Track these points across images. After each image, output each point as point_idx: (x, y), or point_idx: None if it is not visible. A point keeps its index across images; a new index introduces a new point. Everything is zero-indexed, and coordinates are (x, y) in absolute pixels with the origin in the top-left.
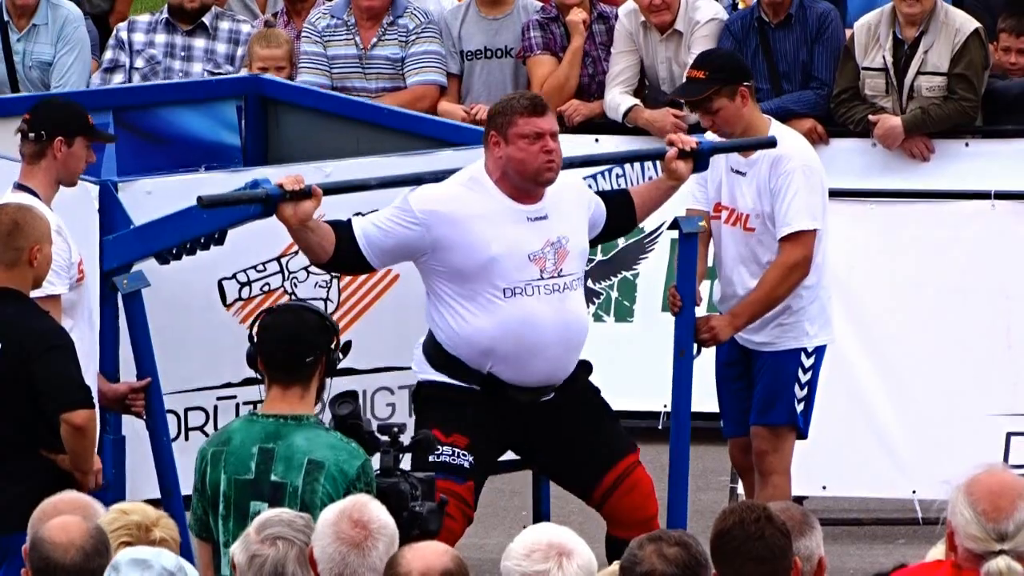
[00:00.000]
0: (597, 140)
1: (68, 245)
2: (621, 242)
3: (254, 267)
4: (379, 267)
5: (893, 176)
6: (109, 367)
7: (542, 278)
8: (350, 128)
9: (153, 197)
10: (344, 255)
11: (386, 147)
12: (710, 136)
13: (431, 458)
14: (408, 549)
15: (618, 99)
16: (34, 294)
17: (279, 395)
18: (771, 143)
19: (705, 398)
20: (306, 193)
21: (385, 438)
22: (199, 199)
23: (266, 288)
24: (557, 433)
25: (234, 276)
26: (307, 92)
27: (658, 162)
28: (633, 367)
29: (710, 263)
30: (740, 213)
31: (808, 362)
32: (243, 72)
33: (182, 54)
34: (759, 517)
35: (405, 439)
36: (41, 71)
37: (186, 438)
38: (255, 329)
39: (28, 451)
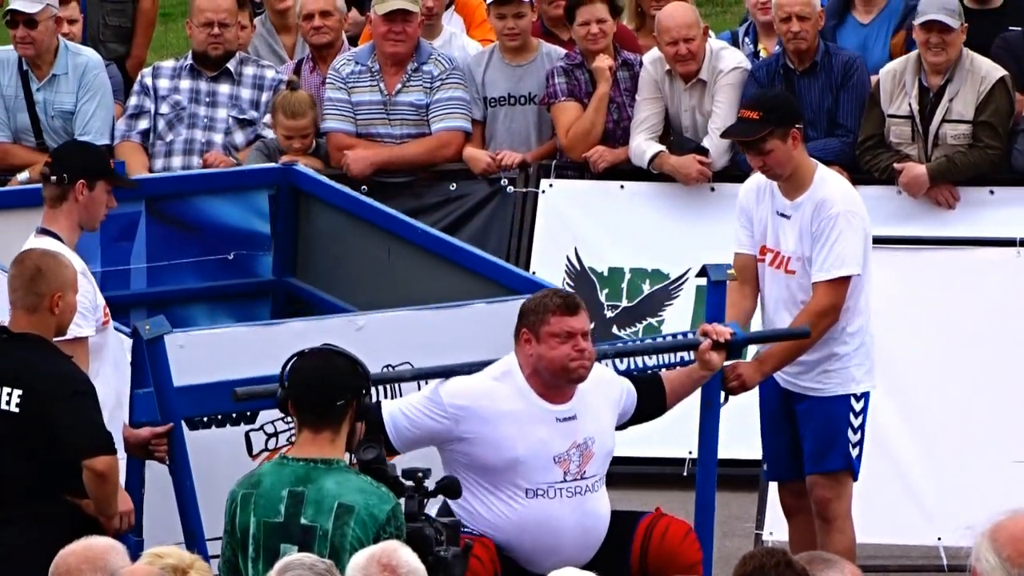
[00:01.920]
0: (623, 186)
1: (93, 288)
2: (646, 288)
3: (282, 418)
4: (402, 452)
5: (918, 223)
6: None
7: (565, 480)
8: (381, 236)
9: (186, 351)
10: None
11: (416, 266)
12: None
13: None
14: None
15: (643, 146)
16: (62, 337)
17: (309, 439)
18: (804, 334)
19: (731, 444)
20: None
21: (410, 483)
22: (234, 393)
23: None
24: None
25: (261, 427)
26: (341, 194)
27: (692, 352)
28: None
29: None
30: (783, 256)
31: (858, 406)
32: (267, 119)
33: (207, 100)
34: (779, 562)
35: (430, 484)
36: (64, 120)
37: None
38: (286, 372)
39: (51, 494)
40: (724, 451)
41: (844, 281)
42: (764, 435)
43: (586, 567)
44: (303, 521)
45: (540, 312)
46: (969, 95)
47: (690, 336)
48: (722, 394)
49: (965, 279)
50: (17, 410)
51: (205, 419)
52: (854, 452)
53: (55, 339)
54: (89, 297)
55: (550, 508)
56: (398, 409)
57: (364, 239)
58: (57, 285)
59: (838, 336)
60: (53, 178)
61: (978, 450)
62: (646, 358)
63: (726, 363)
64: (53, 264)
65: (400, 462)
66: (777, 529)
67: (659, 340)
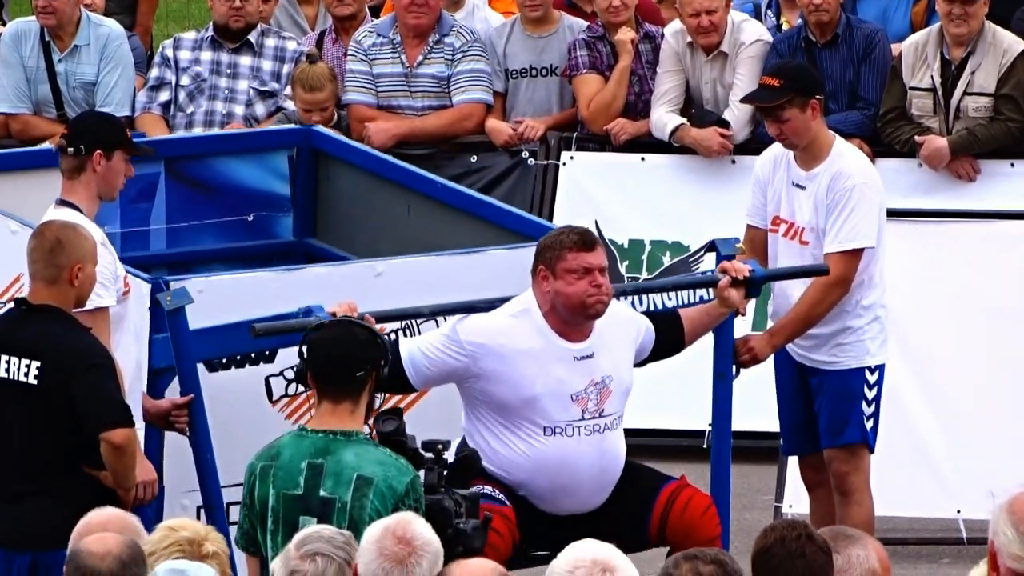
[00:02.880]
0: (643, 159)
1: (114, 258)
2: (666, 260)
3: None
4: (421, 389)
5: (939, 196)
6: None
7: (583, 418)
8: (401, 193)
9: (204, 296)
10: (389, 377)
11: (435, 218)
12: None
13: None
14: (455, 565)
15: (665, 118)
16: (83, 307)
17: (329, 410)
18: (823, 271)
19: (750, 416)
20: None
21: (429, 455)
22: (252, 328)
23: None
24: (594, 516)
25: (281, 373)
26: (360, 152)
27: (711, 289)
28: (677, 386)
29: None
30: (798, 227)
31: (872, 378)
32: (287, 91)
33: (228, 71)
34: (800, 535)
35: (449, 456)
36: (85, 91)
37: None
38: (304, 346)
39: (70, 468)
40: (744, 423)
41: (857, 253)
42: (781, 409)
43: (607, 518)
44: (322, 493)
45: (557, 248)
46: (991, 68)
47: (709, 274)
48: (734, 367)
49: (985, 252)
50: (36, 382)
51: (223, 360)
52: (868, 424)
53: (75, 311)
54: (109, 268)
55: (568, 446)
56: (416, 347)
57: (384, 197)
58: (77, 257)
59: (852, 309)
60: (70, 149)
61: (997, 423)
62: (665, 296)
63: (737, 337)
64: (73, 236)
65: (420, 433)
66: (797, 502)
67: (678, 278)
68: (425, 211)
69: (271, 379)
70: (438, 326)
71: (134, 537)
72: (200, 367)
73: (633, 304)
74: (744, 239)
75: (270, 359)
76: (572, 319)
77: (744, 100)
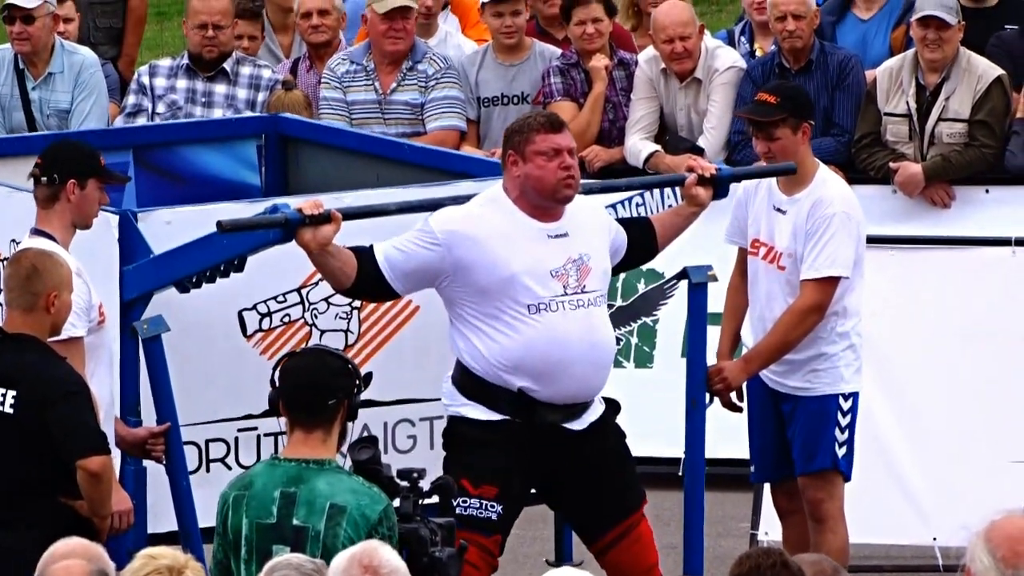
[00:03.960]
0: None
1: (88, 288)
2: (641, 287)
3: (274, 298)
4: (402, 292)
5: (914, 222)
6: (130, 401)
7: (566, 294)
8: (370, 164)
9: (172, 227)
10: (366, 280)
11: (406, 182)
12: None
13: (459, 510)
14: None
15: (639, 145)
16: (56, 337)
17: (301, 439)
18: (791, 170)
19: (725, 444)
20: (325, 218)
21: (405, 483)
22: (219, 224)
23: (286, 319)
24: (579, 475)
25: (254, 307)
26: (326, 130)
27: (678, 189)
28: (653, 413)
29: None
30: (776, 251)
31: (846, 405)
32: None
33: (203, 100)
34: (775, 562)
35: (425, 484)
36: (59, 118)
37: (207, 470)
38: (277, 373)
39: (45, 497)
40: (719, 451)
41: (832, 282)
42: (752, 435)
43: (573, 507)
44: (295, 522)
45: (524, 131)
46: (966, 94)
47: (675, 174)
48: (707, 395)
49: (960, 278)
50: (11, 411)
51: (194, 279)
52: (841, 452)
53: (49, 339)
54: (84, 297)
55: (555, 321)
56: (390, 246)
57: (353, 171)
58: (53, 284)
59: (827, 336)
60: (44, 179)
61: (974, 450)
62: (634, 208)
63: (710, 364)
64: (49, 263)
65: (397, 368)
66: (772, 529)
67: (644, 177)
68: (394, 174)
69: (244, 313)
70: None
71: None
72: (171, 291)
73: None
74: (737, 262)
75: (240, 268)
76: (542, 202)
77: (738, 113)
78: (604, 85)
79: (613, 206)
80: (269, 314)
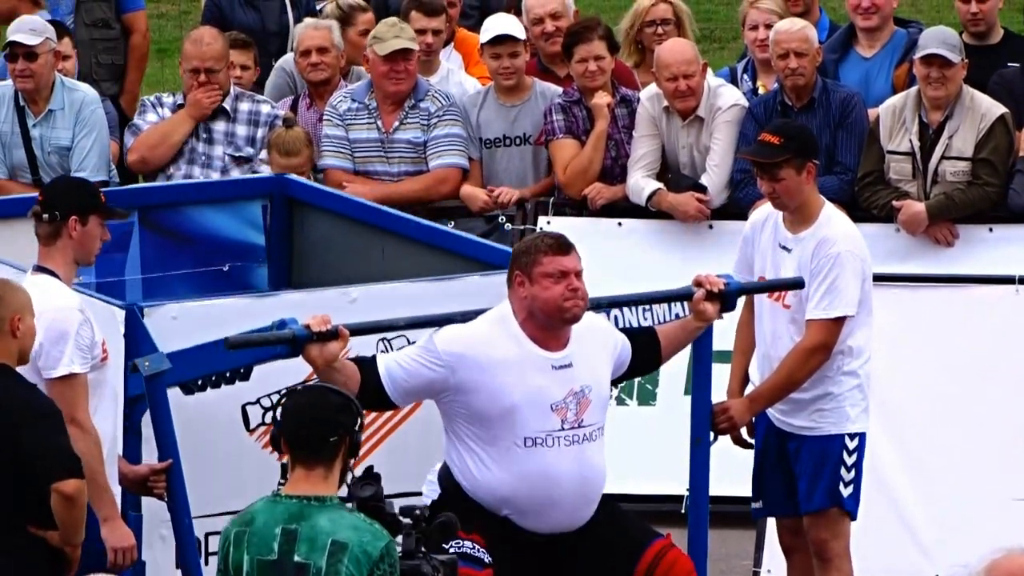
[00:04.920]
0: (620, 224)
1: (91, 325)
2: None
3: (278, 392)
4: (401, 405)
5: (917, 261)
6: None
7: (563, 428)
8: (376, 236)
9: (178, 322)
10: (367, 392)
11: (411, 259)
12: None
13: (451, 549)
14: None
15: (641, 183)
16: (55, 373)
17: (303, 476)
18: (799, 284)
19: (729, 482)
20: (333, 334)
21: (407, 520)
22: (226, 341)
23: None
24: (579, 548)
25: (258, 401)
26: (334, 197)
27: (686, 303)
28: (655, 451)
29: None
30: None
31: (852, 445)
32: (263, 154)
33: (204, 136)
34: None
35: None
36: (60, 156)
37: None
38: (279, 410)
39: (16, 526)
40: (723, 488)
41: (838, 321)
42: (757, 473)
43: (593, 564)
44: (297, 559)
45: (532, 253)
46: (969, 132)
47: (684, 288)
48: (711, 433)
49: (964, 317)
50: None
51: (199, 382)
52: (847, 491)
53: (48, 377)
54: (86, 335)
55: (548, 457)
56: (394, 361)
57: (358, 240)
58: (15, 308)
59: (833, 375)
60: (45, 216)
61: (976, 488)
62: (642, 314)
63: (716, 403)
64: (8, 289)
65: (399, 461)
66: (775, 567)
67: (653, 292)
68: (400, 250)
69: (248, 407)
70: (410, 344)
71: None
72: (175, 391)
73: (608, 320)
74: (744, 302)
75: (245, 376)
76: (549, 324)
77: (741, 155)
78: (606, 122)
79: (620, 310)
80: (272, 408)
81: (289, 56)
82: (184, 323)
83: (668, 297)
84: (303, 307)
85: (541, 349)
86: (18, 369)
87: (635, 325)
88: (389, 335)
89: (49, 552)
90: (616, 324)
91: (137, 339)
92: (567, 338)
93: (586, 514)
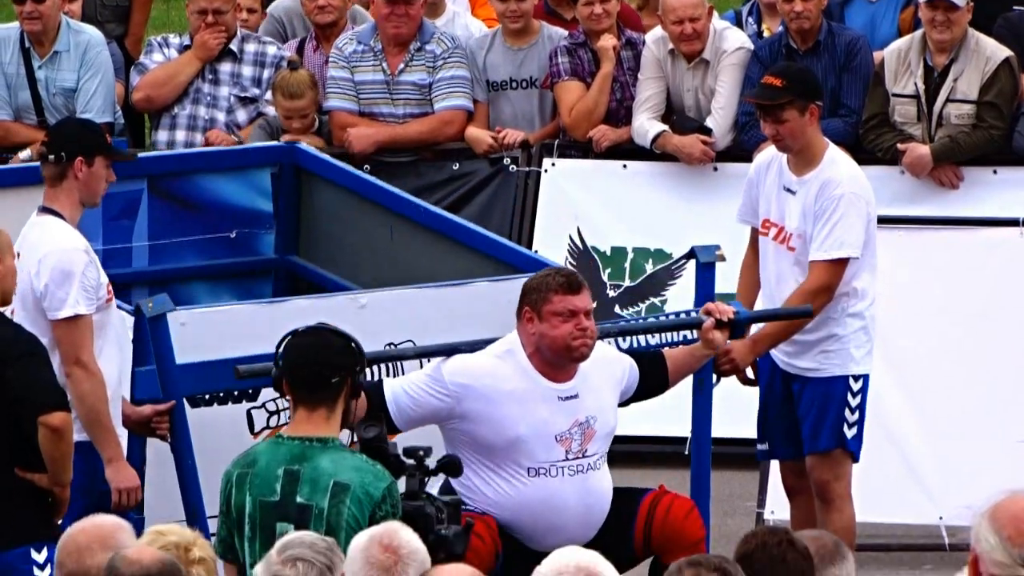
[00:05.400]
0: (625, 166)
1: (96, 267)
2: (649, 268)
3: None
4: (404, 431)
5: (921, 203)
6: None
7: (567, 459)
8: (384, 215)
9: (187, 328)
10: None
11: (418, 244)
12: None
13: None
14: (436, 571)
15: (646, 125)
16: (60, 315)
17: (305, 417)
18: (807, 313)
19: (732, 423)
20: None
21: (411, 461)
22: (236, 370)
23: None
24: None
25: (263, 405)
26: (344, 172)
27: (695, 331)
28: None
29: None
30: (786, 232)
31: (856, 386)
32: (268, 96)
33: (209, 77)
34: (781, 540)
35: (431, 462)
36: (65, 97)
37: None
38: (280, 351)
39: (3, 466)
40: (726, 430)
41: (841, 263)
42: (762, 413)
43: (589, 545)
44: (299, 500)
45: (542, 291)
46: (974, 75)
47: (693, 315)
48: (714, 375)
49: (968, 259)
50: None
51: (207, 396)
52: (850, 433)
53: (54, 318)
54: (92, 276)
55: (552, 487)
56: (400, 387)
57: (366, 218)
58: None
59: (838, 317)
60: (51, 157)
61: (980, 430)
62: (648, 337)
63: None
64: None
65: (401, 440)
66: (778, 508)
67: (662, 319)
68: (408, 233)
69: (253, 411)
70: (421, 367)
71: (109, 545)
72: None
73: (617, 343)
74: (750, 241)
75: (253, 397)
76: (557, 361)
77: (745, 98)
78: (612, 65)
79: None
80: (278, 412)
81: (280, 2)
82: (192, 329)
83: (677, 326)
84: (312, 313)
85: (547, 380)
86: (24, 311)
87: (643, 346)
88: (396, 339)
89: (38, 494)
90: (624, 345)
91: (146, 344)
92: (574, 370)
93: (589, 536)
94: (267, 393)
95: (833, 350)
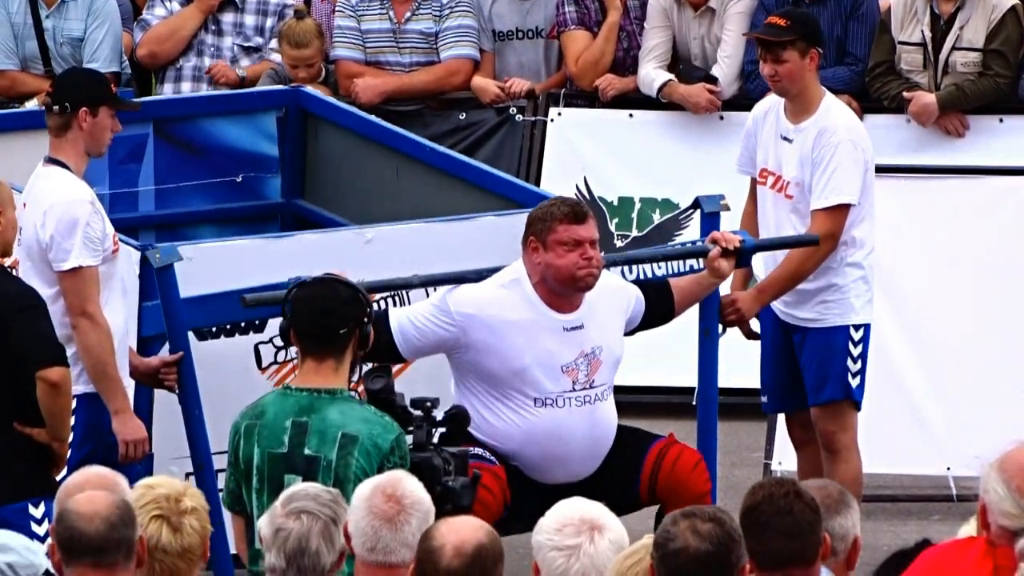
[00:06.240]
0: (631, 115)
1: (102, 218)
2: (656, 218)
3: None
4: (411, 359)
5: (928, 152)
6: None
7: (574, 389)
8: (389, 156)
9: (193, 263)
10: (379, 348)
11: (423, 182)
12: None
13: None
14: (443, 523)
15: (652, 74)
16: (65, 266)
17: (313, 368)
18: (814, 241)
19: (739, 373)
20: None
21: (418, 412)
22: (242, 299)
23: None
24: (585, 482)
25: (271, 340)
26: (349, 114)
27: (701, 260)
28: (666, 342)
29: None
30: (784, 180)
31: (857, 335)
32: (273, 44)
33: (212, 28)
34: (788, 492)
35: (438, 414)
36: (72, 47)
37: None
38: (288, 300)
39: (2, 421)
40: (733, 380)
41: (842, 209)
42: (764, 366)
43: (596, 482)
44: (307, 451)
45: (547, 220)
46: (980, 23)
47: (699, 244)
48: (720, 325)
49: (974, 208)
50: None
51: (214, 329)
52: (854, 382)
53: (60, 270)
54: (97, 227)
55: (559, 417)
56: (406, 317)
57: (372, 159)
58: None
59: (837, 266)
60: (56, 107)
61: (987, 380)
62: (655, 266)
63: (723, 295)
64: None
65: (408, 390)
66: (786, 459)
67: (668, 248)
68: (413, 174)
69: (260, 346)
70: (428, 296)
71: (123, 496)
72: (190, 335)
73: (623, 273)
74: (749, 192)
75: (260, 328)
76: (562, 291)
77: (749, 34)
78: (619, 14)
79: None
80: (285, 347)
81: None
82: (198, 264)
83: (684, 254)
84: (319, 248)
85: (553, 311)
86: (30, 262)
87: (650, 276)
88: (402, 274)
89: (36, 448)
90: (630, 275)
91: (152, 281)
92: (580, 300)
93: (593, 467)
94: (274, 327)
95: (833, 300)
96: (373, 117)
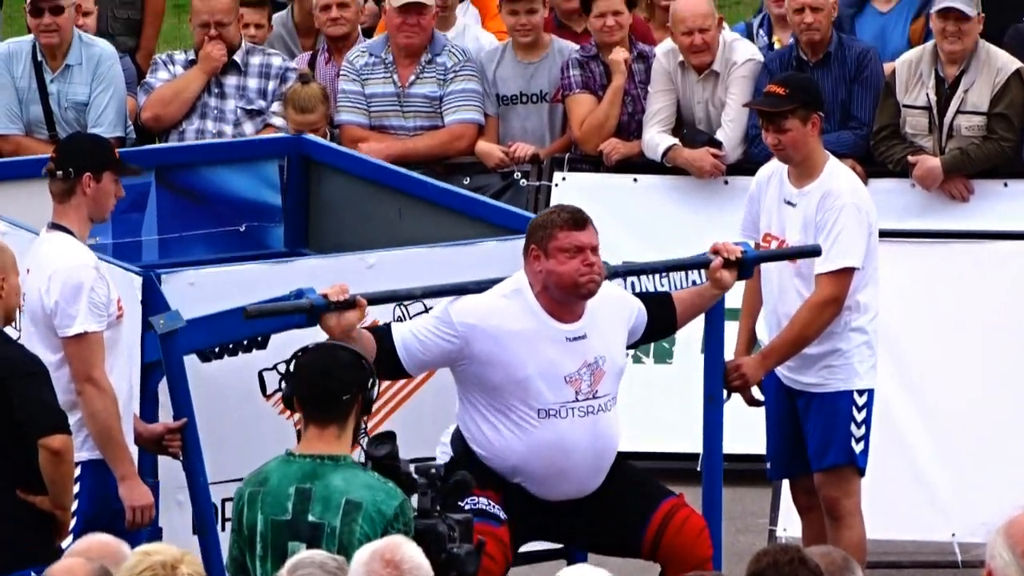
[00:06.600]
0: (636, 180)
1: (107, 283)
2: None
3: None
4: (415, 375)
5: (932, 216)
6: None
7: (577, 400)
8: (392, 197)
9: (196, 288)
10: (383, 364)
11: (427, 221)
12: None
13: (466, 506)
14: None
15: (657, 139)
16: (70, 332)
17: (316, 435)
18: (815, 252)
19: (744, 440)
20: (350, 304)
21: (423, 479)
22: (244, 311)
23: None
24: (591, 507)
25: (275, 367)
26: (351, 158)
27: (703, 271)
28: (671, 409)
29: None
30: (787, 244)
31: (861, 401)
32: (276, 106)
33: (215, 91)
34: (792, 559)
35: (445, 435)
36: (77, 111)
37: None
38: (291, 368)
39: (4, 488)
40: (739, 446)
41: (847, 272)
42: (769, 432)
43: (602, 520)
44: (311, 518)
45: (548, 227)
46: (984, 86)
47: (701, 255)
48: (724, 391)
49: (979, 272)
50: None
51: (216, 349)
52: (858, 448)
53: (64, 335)
54: (102, 292)
55: (562, 428)
56: (409, 332)
57: (375, 202)
58: (0, 269)
59: (841, 331)
60: (59, 173)
61: (993, 445)
62: (657, 280)
63: (728, 360)
64: None
65: (415, 424)
66: (791, 525)
67: (669, 259)
68: (417, 213)
69: (264, 373)
70: (427, 310)
71: (109, 565)
72: (192, 358)
73: (624, 286)
74: None
75: (263, 345)
76: (564, 299)
77: (748, 105)
78: (623, 78)
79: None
80: (286, 369)
81: (281, 14)
82: (201, 289)
83: (685, 265)
84: (320, 272)
85: (556, 321)
86: (35, 328)
87: (652, 290)
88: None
89: (39, 516)
90: (632, 289)
91: (155, 306)
92: (582, 310)
93: (597, 482)
94: (277, 348)
95: (837, 365)
96: (375, 159)
